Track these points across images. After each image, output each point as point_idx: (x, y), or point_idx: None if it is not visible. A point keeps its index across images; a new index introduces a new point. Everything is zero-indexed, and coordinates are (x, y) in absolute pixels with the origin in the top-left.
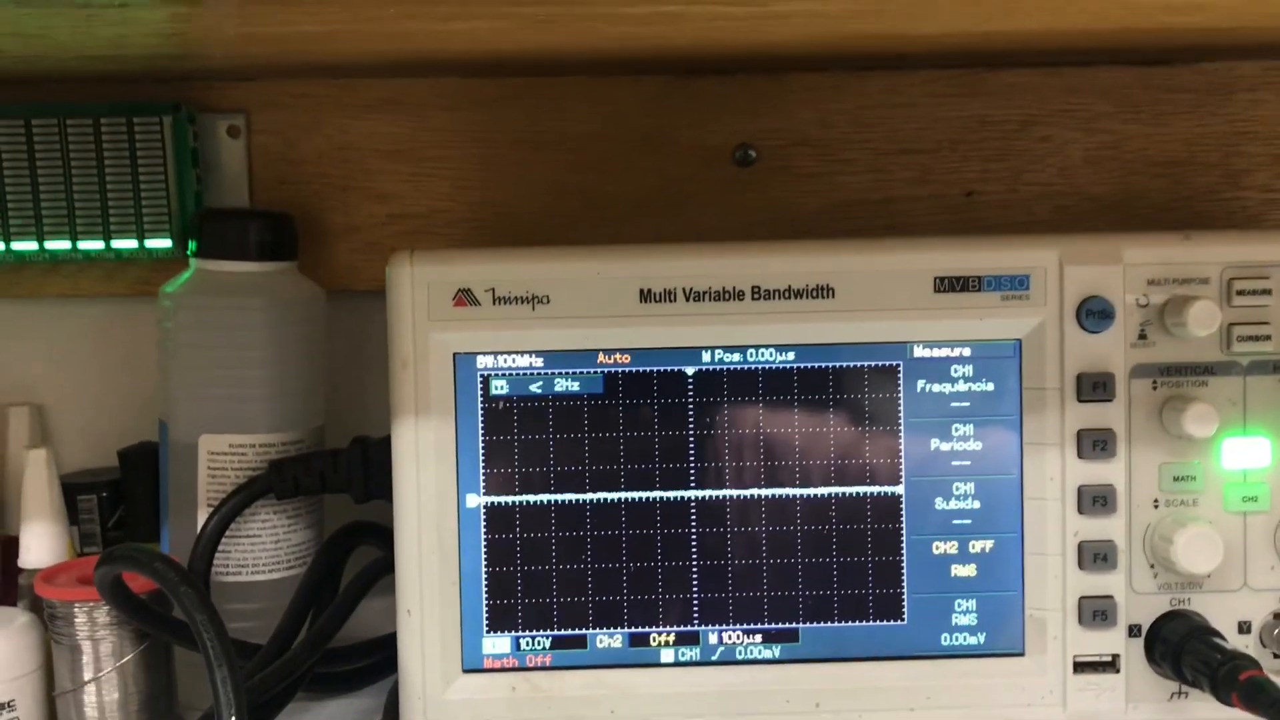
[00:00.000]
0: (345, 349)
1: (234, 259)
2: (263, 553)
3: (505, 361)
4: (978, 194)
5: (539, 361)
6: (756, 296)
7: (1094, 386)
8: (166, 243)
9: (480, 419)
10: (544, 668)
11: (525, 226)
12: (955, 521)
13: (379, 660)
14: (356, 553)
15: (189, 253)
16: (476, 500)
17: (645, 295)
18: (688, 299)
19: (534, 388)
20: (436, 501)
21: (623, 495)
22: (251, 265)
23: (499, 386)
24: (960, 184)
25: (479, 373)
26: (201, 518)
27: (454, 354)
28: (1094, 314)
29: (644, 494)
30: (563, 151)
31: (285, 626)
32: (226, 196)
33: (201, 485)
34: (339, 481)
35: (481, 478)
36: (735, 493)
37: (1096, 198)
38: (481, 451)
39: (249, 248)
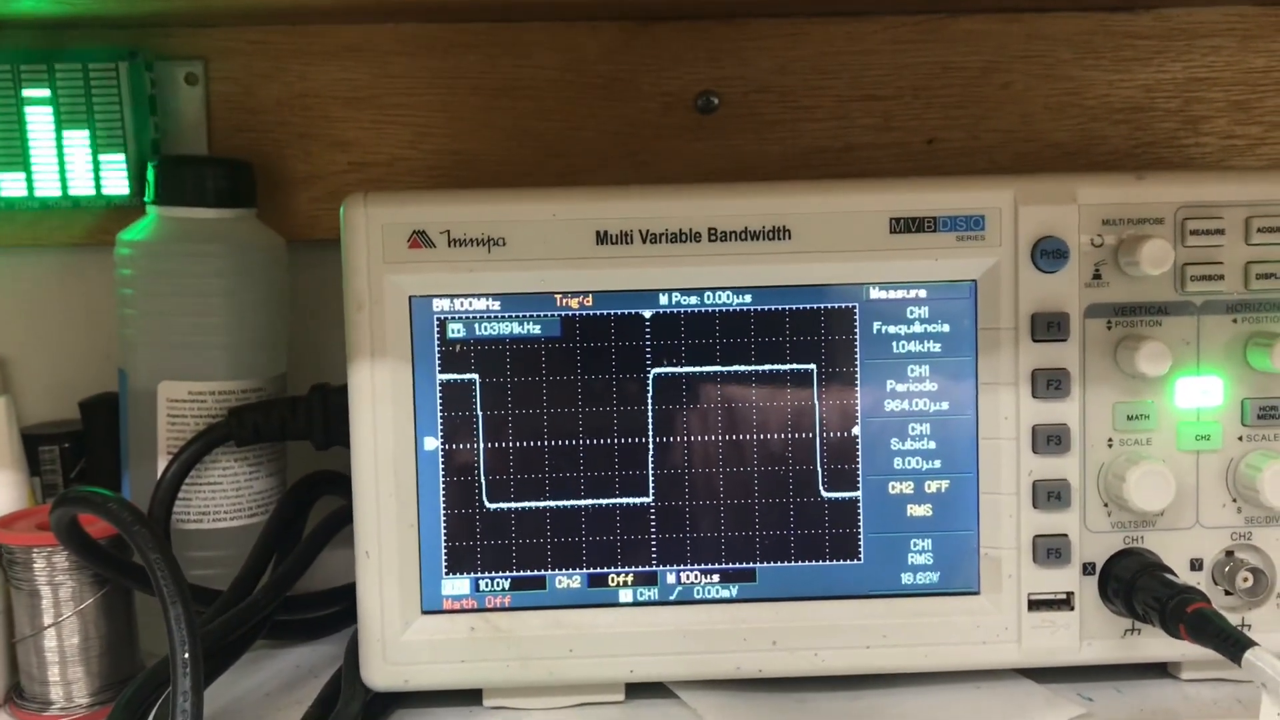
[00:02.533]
0: (307, 298)
1: (192, 206)
2: (224, 500)
3: (461, 304)
4: (939, 141)
5: (496, 304)
6: (713, 238)
7: (1048, 326)
8: (124, 190)
9: (437, 362)
10: (503, 608)
11: (487, 174)
12: (911, 462)
13: (342, 609)
14: (321, 503)
15: (147, 200)
16: (434, 443)
17: (602, 237)
18: (644, 241)
19: (491, 330)
20: (394, 444)
21: (581, 438)
22: (210, 212)
23: (455, 329)
24: (922, 131)
25: (435, 315)
26: (161, 465)
27: (409, 297)
28: (1049, 254)
29: (602, 437)
30: (524, 98)
31: (246, 573)
32: (185, 145)
33: (161, 433)
34: (299, 428)
35: (439, 421)
36: (693, 435)
37: (1057, 144)
38: (439, 395)
39: (207, 194)
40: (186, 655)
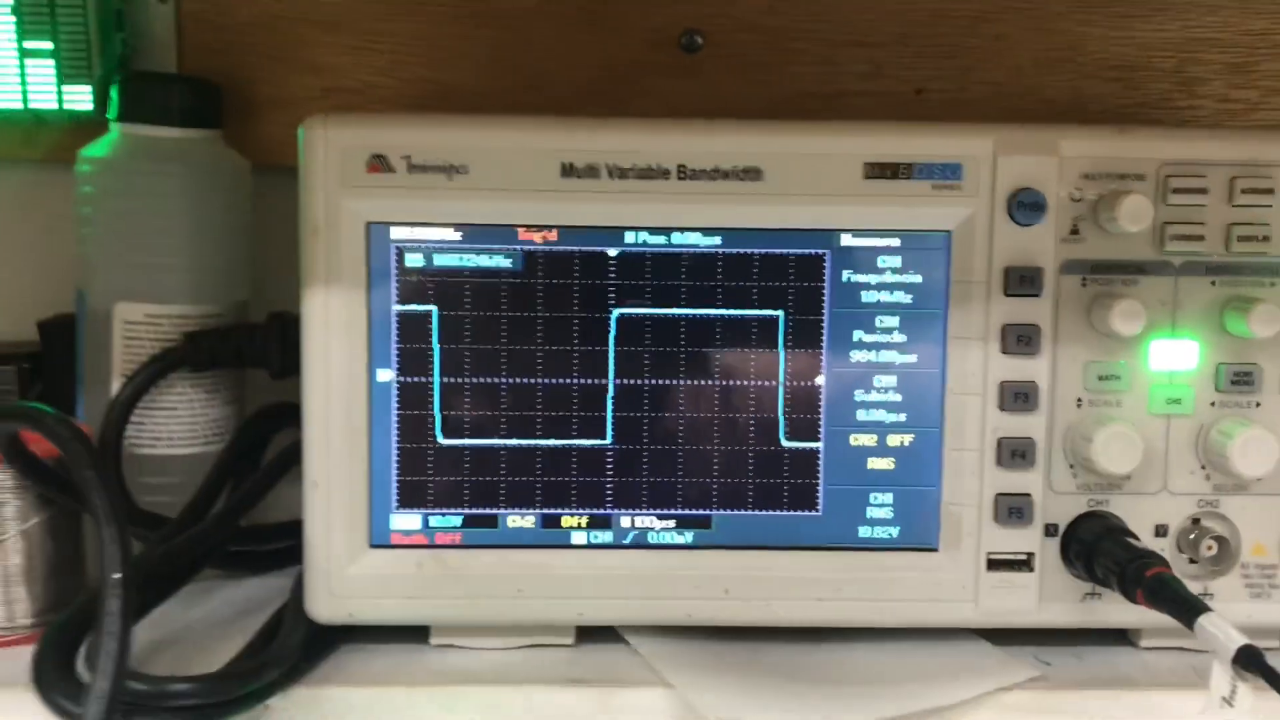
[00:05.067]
0: (273, 226)
1: (156, 124)
2: (179, 426)
3: (421, 233)
4: (928, 92)
5: (456, 235)
6: (682, 176)
7: (1021, 280)
8: (88, 106)
9: (394, 292)
10: (453, 546)
11: (463, 105)
12: (875, 414)
13: (299, 543)
14: (285, 435)
15: (110, 117)
16: (388, 375)
17: (567, 170)
18: (611, 175)
19: (450, 261)
20: (346, 374)
21: (540, 376)
22: (174, 131)
23: (414, 259)
24: (911, 80)
25: (393, 244)
26: (116, 388)
27: (367, 223)
28: (1026, 206)
29: (561, 377)
30: (503, 28)
31: (198, 500)
32: (154, 63)
33: (116, 355)
34: (255, 356)
35: (394, 352)
36: (654, 379)
37: (1048, 100)
38: (395, 326)
39: (172, 113)
40: (117, 576)
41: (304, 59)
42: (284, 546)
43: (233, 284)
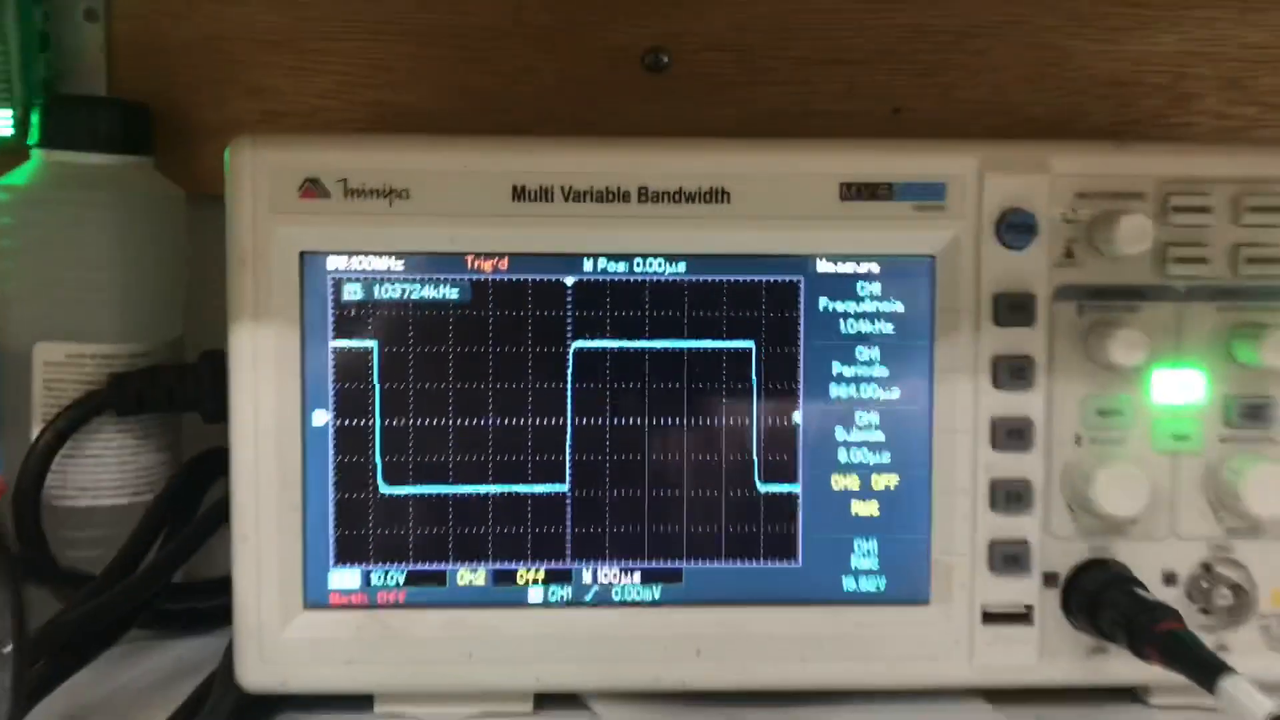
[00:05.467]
0: (209, 259)
1: (81, 150)
2: (105, 475)
3: (360, 263)
4: (907, 111)
5: (398, 264)
6: (644, 199)
7: (1012, 308)
8: (8, 130)
9: (330, 327)
10: (396, 605)
11: (416, 129)
12: (857, 455)
13: None
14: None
15: (30, 143)
16: (324, 417)
17: (519, 193)
18: (566, 198)
19: (392, 293)
20: (278, 418)
21: (491, 417)
22: (100, 158)
23: (352, 291)
24: (889, 99)
25: (329, 275)
26: (34, 435)
27: (300, 252)
28: (1015, 228)
29: (515, 417)
30: (458, 48)
31: (125, 555)
32: (82, 87)
33: (36, 399)
34: (187, 399)
35: (331, 393)
36: (616, 418)
37: (1034, 118)
38: (331, 364)
39: (98, 138)
40: (8, 650)
41: (243, 80)
42: (220, 604)
43: (164, 321)
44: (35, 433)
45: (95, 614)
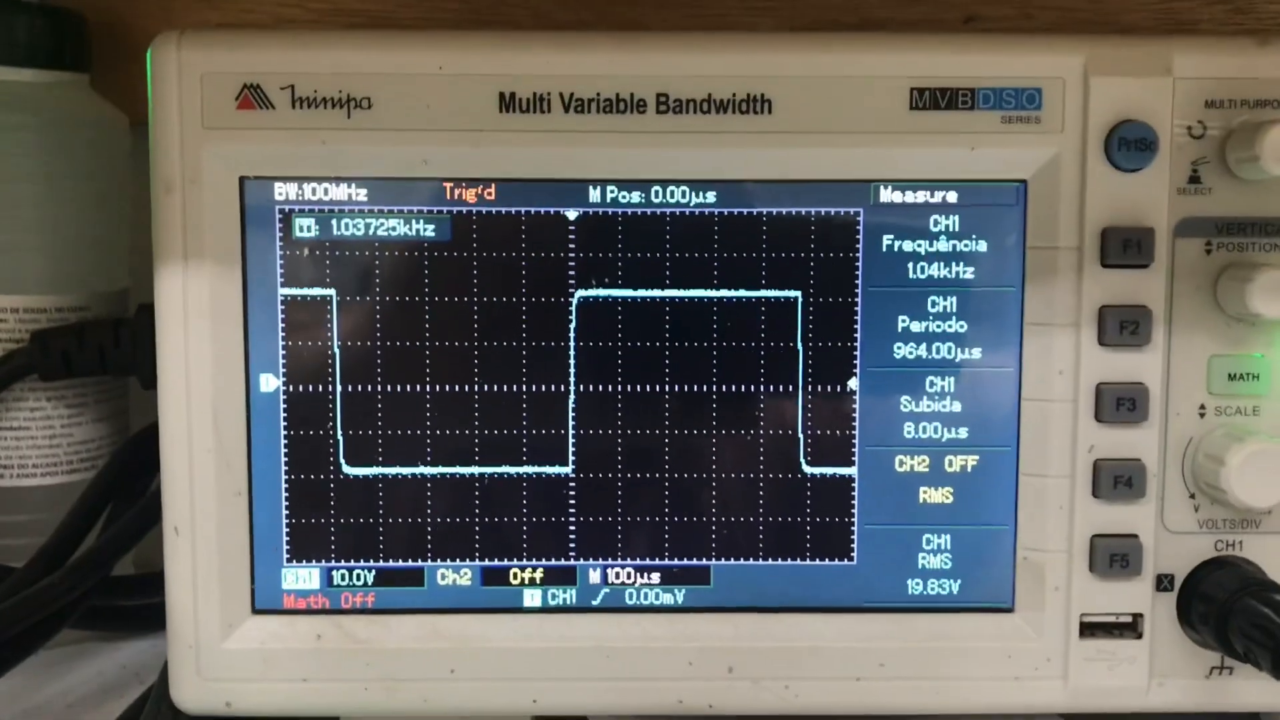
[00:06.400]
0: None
1: (2, 64)
2: (33, 450)
3: (313, 191)
4: (979, 20)
5: (360, 192)
6: (664, 108)
7: (1125, 246)
8: None
9: (279, 271)
10: (364, 610)
11: None
12: (927, 430)
13: None
14: None
15: None
16: (274, 382)
17: (507, 102)
18: (568, 109)
19: (354, 229)
20: (215, 382)
21: (476, 382)
22: (22, 73)
23: (305, 226)
24: (958, 6)
25: (276, 207)
26: None
27: (240, 178)
28: (1129, 145)
29: (505, 383)
30: None
31: (56, 543)
32: None
33: None
34: (122, 360)
35: (281, 352)
36: (630, 384)
37: (1132, 28)
38: (281, 316)
39: (18, 49)
40: None
41: None
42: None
43: (103, 268)
44: None
45: (17, 612)
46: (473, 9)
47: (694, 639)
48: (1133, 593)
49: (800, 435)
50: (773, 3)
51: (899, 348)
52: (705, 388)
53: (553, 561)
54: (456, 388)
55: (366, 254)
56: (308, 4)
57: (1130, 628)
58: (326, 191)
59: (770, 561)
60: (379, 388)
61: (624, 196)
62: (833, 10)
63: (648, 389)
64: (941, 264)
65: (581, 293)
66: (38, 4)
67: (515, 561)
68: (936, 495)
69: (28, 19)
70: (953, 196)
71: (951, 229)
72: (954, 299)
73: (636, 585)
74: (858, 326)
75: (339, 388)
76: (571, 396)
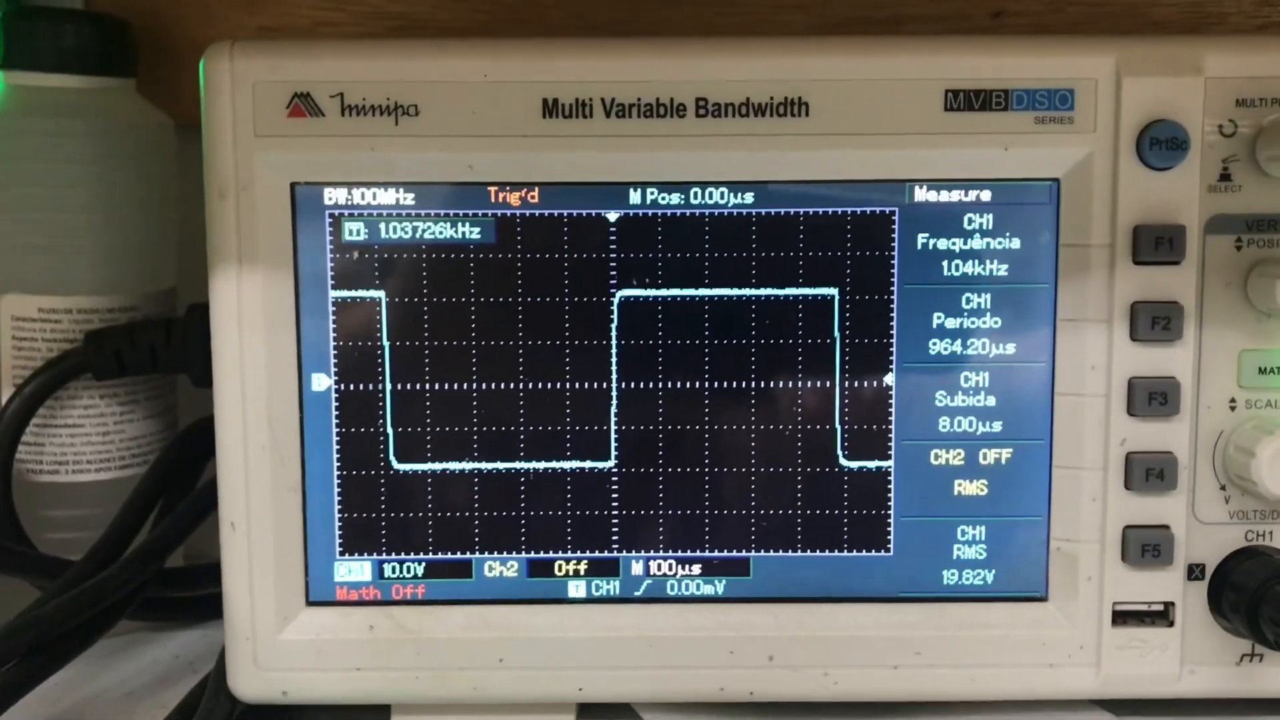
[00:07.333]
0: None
1: (50, 71)
2: (87, 447)
3: (362, 196)
4: (1009, 15)
5: (408, 197)
6: (703, 113)
7: (1156, 243)
8: None
9: (330, 274)
10: (414, 601)
11: None
12: (962, 423)
13: None
14: None
15: None
16: (326, 382)
17: (551, 108)
18: (609, 114)
19: (402, 233)
20: (270, 382)
21: (521, 380)
22: (73, 80)
23: (354, 230)
24: (987, 0)
25: (327, 211)
26: (4, 400)
27: (292, 184)
28: (1161, 144)
29: (549, 380)
30: None
31: (112, 536)
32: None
33: (5, 360)
34: (173, 359)
35: (332, 353)
36: (670, 381)
37: (1161, 22)
38: (332, 317)
39: (69, 57)
40: None
41: None
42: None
43: (152, 269)
44: (3, 396)
45: (76, 605)
46: (507, 8)
47: (735, 629)
48: (1164, 582)
49: (838, 429)
50: (806, 1)
51: (934, 344)
52: (744, 384)
53: (596, 554)
54: (502, 385)
55: (414, 256)
56: (347, 6)
57: (1162, 616)
58: (375, 196)
59: (809, 553)
60: (427, 386)
61: (664, 198)
62: (864, 7)
63: (688, 386)
64: (976, 261)
65: (623, 292)
66: (84, 12)
67: (560, 554)
68: (971, 488)
69: (75, 27)
70: (987, 195)
71: (985, 227)
72: (988, 295)
73: (678, 577)
74: (893, 323)
75: (389, 386)
76: (613, 393)
